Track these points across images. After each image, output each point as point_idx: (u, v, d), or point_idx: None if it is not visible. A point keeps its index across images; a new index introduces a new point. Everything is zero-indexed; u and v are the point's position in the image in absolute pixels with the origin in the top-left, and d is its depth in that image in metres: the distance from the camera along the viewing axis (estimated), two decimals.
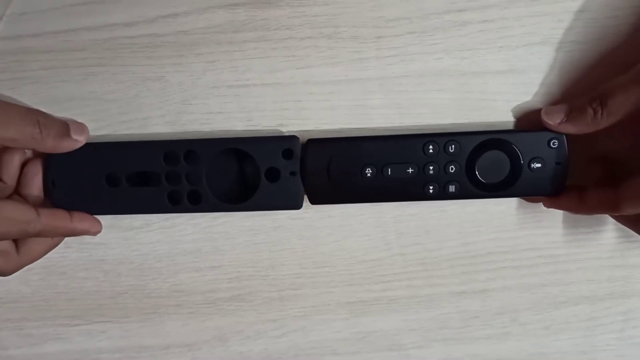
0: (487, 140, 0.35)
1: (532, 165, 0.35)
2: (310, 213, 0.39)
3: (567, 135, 0.35)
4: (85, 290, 0.40)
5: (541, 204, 0.38)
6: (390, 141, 0.36)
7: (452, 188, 0.36)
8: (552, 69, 0.36)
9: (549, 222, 0.39)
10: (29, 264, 0.36)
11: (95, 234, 0.38)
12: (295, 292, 0.40)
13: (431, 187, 0.36)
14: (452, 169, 0.36)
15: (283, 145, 0.35)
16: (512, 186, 0.36)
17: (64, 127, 0.35)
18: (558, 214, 0.39)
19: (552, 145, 0.35)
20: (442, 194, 0.36)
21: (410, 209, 0.39)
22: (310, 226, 0.39)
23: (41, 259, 0.37)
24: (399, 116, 0.37)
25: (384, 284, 0.40)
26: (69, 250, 0.40)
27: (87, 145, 0.36)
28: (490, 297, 0.40)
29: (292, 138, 0.36)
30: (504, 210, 0.39)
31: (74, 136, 0.35)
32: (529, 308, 0.40)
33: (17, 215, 0.33)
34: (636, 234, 0.35)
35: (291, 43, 0.36)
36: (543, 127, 0.35)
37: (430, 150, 0.35)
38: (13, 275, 0.37)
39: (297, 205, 0.36)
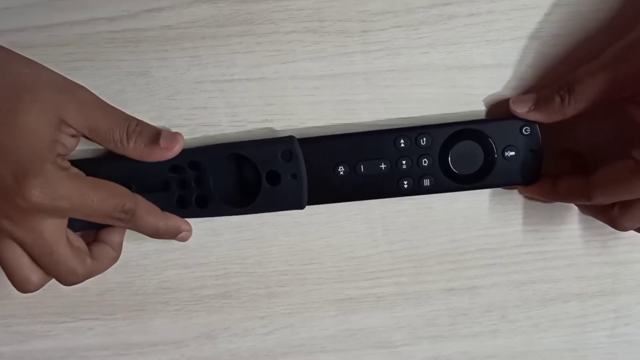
0: (459, 131, 0.35)
1: (506, 153, 0.35)
2: (296, 210, 0.38)
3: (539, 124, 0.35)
4: (72, 288, 0.38)
5: (530, 201, 0.38)
6: (361, 137, 0.36)
7: (426, 182, 0.36)
8: (538, 63, 0.36)
9: (538, 218, 0.39)
10: (97, 274, 0.36)
11: (184, 237, 0.38)
12: (282, 289, 0.40)
13: (405, 182, 0.36)
14: (425, 162, 0.35)
15: (281, 147, 0.35)
16: (487, 176, 0.36)
17: (154, 135, 0.35)
18: (547, 210, 0.39)
19: (524, 132, 0.35)
20: (417, 189, 0.36)
21: (398, 206, 0.39)
22: (297, 222, 0.39)
23: None
24: (386, 111, 0.37)
25: (372, 280, 0.40)
26: None
27: (95, 159, 0.36)
28: (478, 294, 0.40)
29: (290, 139, 0.35)
30: (492, 206, 0.39)
31: (163, 145, 0.34)
32: (518, 305, 0.40)
33: (115, 186, 0.34)
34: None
35: (276, 37, 0.36)
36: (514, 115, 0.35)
37: (402, 145, 0.35)
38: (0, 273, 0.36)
39: (301, 205, 0.36)
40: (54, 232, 0.33)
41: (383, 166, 0.35)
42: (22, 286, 0.34)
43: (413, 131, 0.35)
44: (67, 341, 0.41)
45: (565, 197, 0.35)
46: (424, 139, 0.35)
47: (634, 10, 0.35)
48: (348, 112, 0.37)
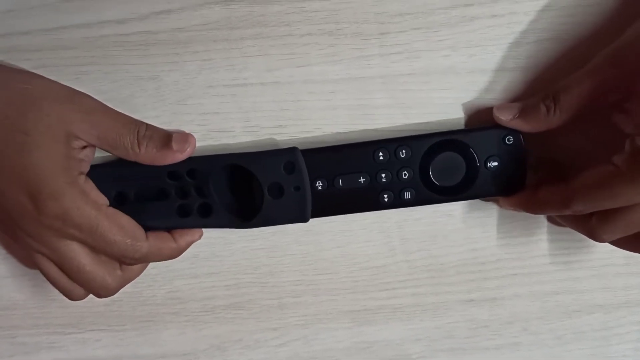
0: (440, 142, 0.35)
1: (489, 164, 0.35)
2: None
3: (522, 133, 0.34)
4: None
5: None
6: (338, 151, 0.35)
7: (407, 194, 0.35)
8: (562, 66, 0.35)
9: (561, 226, 0.38)
10: (128, 283, 0.37)
11: (198, 239, 0.38)
12: (295, 300, 0.39)
13: (386, 196, 0.35)
14: (405, 174, 0.35)
15: (283, 159, 0.35)
16: (470, 187, 0.35)
17: (165, 139, 0.34)
18: None
19: (507, 141, 0.34)
20: (398, 202, 0.35)
21: (416, 214, 0.38)
22: (311, 231, 0.38)
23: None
24: (404, 116, 0.36)
25: (389, 291, 0.39)
26: None
27: (92, 167, 0.35)
28: (499, 305, 0.39)
29: (292, 150, 0.35)
30: (513, 214, 0.38)
31: (175, 147, 0.34)
32: (540, 317, 0.40)
33: (129, 227, 0.34)
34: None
35: (290, 40, 0.35)
36: (497, 124, 0.34)
37: (381, 157, 0.35)
38: (5, 282, 0.36)
39: (305, 219, 0.36)
40: (76, 251, 0.33)
41: (362, 180, 0.35)
42: (70, 297, 0.35)
43: (392, 143, 0.35)
44: (74, 353, 0.40)
45: (546, 207, 0.34)
46: (404, 151, 0.35)
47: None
48: (364, 117, 0.36)
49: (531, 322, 0.39)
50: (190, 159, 0.35)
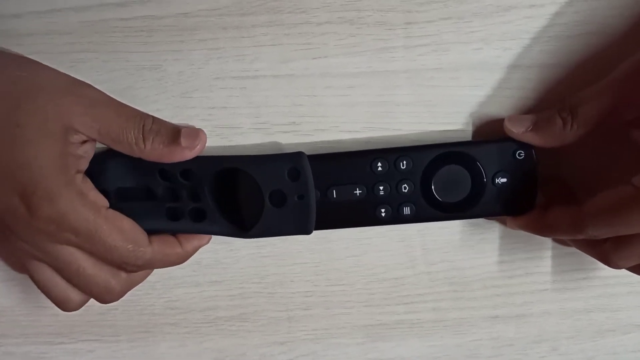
0: (444, 154, 0.33)
1: (497, 180, 0.33)
2: None
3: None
4: None
5: None
6: (333, 160, 0.34)
7: (406, 210, 0.34)
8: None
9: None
10: (134, 286, 0.35)
11: (206, 244, 0.36)
12: (305, 313, 0.38)
13: (383, 210, 0.34)
14: (405, 188, 0.33)
15: (288, 164, 0.33)
16: (475, 205, 0.34)
17: (173, 133, 0.32)
18: None
19: (518, 156, 0.33)
20: (396, 217, 0.34)
21: (439, 222, 0.36)
22: (324, 238, 0.37)
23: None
24: (429, 115, 0.35)
25: (407, 305, 0.38)
26: None
27: None
28: (527, 322, 0.38)
29: (298, 155, 0.33)
30: None
31: (184, 143, 0.32)
32: (571, 336, 0.38)
33: (131, 231, 0.32)
34: None
35: (307, 29, 0.34)
36: (508, 137, 0.33)
37: (379, 168, 0.33)
38: None
39: (308, 230, 0.34)
40: (74, 254, 0.32)
41: (358, 192, 0.34)
42: (64, 306, 0.34)
43: (392, 153, 0.33)
44: None
45: (556, 230, 0.33)
46: (404, 162, 0.33)
47: None
48: (386, 115, 0.35)
49: (561, 341, 0.38)
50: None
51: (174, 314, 0.38)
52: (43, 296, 0.36)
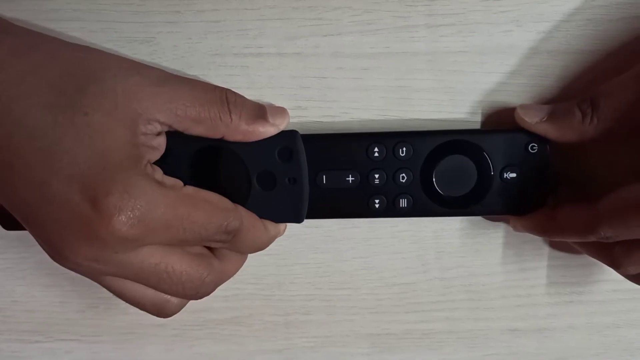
0: (448, 142, 0.31)
1: (505, 174, 0.31)
2: (329, 220, 0.35)
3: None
4: (48, 301, 0.37)
5: None
6: (325, 142, 0.32)
7: (403, 202, 0.32)
8: None
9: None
10: (230, 276, 0.33)
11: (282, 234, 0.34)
12: (305, 318, 0.37)
13: (377, 201, 0.32)
14: (403, 178, 0.32)
15: (279, 143, 0.31)
16: (480, 201, 0.32)
17: (259, 108, 0.31)
18: None
19: (531, 149, 0.31)
20: (390, 210, 0.32)
21: (456, 222, 0.35)
22: (329, 237, 0.35)
23: None
24: (451, 103, 0.33)
25: (418, 313, 0.36)
26: (30, 250, 0.36)
27: None
28: (550, 337, 0.36)
29: (291, 134, 0.31)
30: None
31: (272, 121, 0.30)
32: (597, 354, 0.37)
33: (216, 201, 0.30)
34: None
35: (318, 2, 0.32)
36: (520, 127, 0.31)
37: (376, 154, 0.31)
38: None
39: (299, 218, 0.32)
40: (157, 255, 0.29)
41: (350, 179, 0.32)
42: (163, 314, 0.31)
43: (391, 138, 0.32)
44: None
45: (566, 231, 0.31)
46: (404, 149, 0.31)
47: None
48: (403, 102, 0.33)
49: (587, 358, 0.37)
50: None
51: None
52: (18, 290, 0.36)
